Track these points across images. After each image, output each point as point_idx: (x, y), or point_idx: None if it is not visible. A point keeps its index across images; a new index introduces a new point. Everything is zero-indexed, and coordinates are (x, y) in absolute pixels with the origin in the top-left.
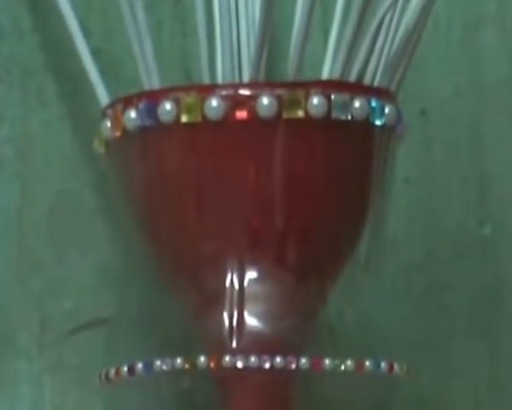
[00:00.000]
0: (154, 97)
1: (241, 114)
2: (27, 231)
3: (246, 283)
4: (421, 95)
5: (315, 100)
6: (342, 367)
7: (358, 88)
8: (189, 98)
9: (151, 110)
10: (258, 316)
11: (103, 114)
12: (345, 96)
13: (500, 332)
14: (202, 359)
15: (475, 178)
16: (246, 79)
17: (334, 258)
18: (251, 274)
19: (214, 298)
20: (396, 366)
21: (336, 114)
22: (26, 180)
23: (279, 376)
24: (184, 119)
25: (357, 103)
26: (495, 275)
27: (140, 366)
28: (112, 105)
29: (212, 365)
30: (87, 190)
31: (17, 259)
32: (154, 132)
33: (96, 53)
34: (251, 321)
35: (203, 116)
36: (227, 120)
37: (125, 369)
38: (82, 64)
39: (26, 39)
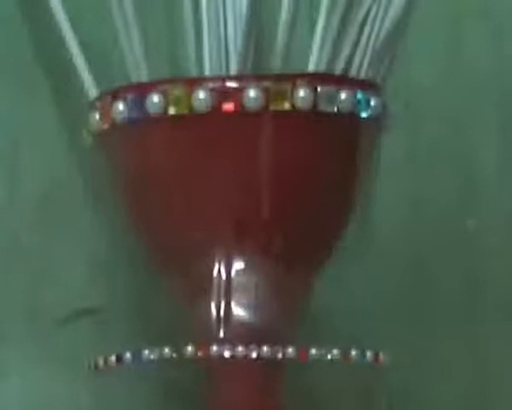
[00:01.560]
0: (141, 90)
1: (228, 107)
2: (16, 220)
3: (233, 272)
4: (406, 88)
5: (301, 92)
6: (328, 357)
7: (344, 80)
8: (177, 90)
9: (139, 102)
10: (245, 305)
11: (91, 107)
12: (331, 89)
13: (481, 324)
14: (190, 348)
15: (460, 170)
16: (233, 71)
17: (320, 248)
18: (238, 264)
19: (201, 288)
20: (381, 356)
21: (322, 107)
22: (16, 170)
23: (266, 365)
24: (172, 111)
25: (343, 96)
26: (479, 268)
27: (128, 355)
28: (100, 97)
29: (199, 354)
30: (76, 181)
31: (5, 248)
32: (141, 124)
33: (84, 45)
34: (238, 311)
35: (190, 108)
36: (214, 112)
37: (114, 359)
38: (70, 56)
39: (16, 30)
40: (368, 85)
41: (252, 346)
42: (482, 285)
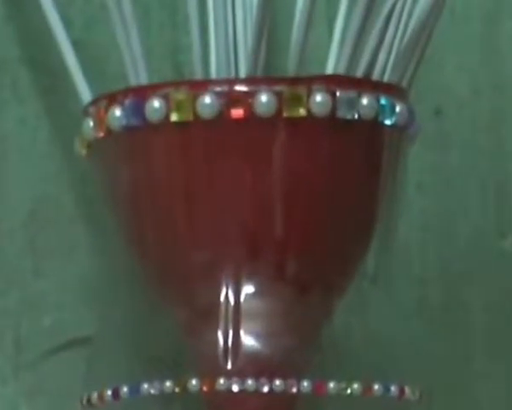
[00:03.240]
0: (141, 94)
1: (237, 113)
2: (2, 240)
3: (242, 297)
4: (436, 92)
5: (318, 97)
6: (348, 391)
7: (366, 84)
8: (180, 95)
9: (138, 108)
10: (256, 334)
11: (85, 113)
12: (351, 93)
13: None
14: (194, 382)
15: (495, 185)
16: (242, 73)
17: (339, 270)
18: (248, 288)
19: (207, 314)
20: (407, 390)
21: (341, 113)
22: (1, 185)
23: (278, 400)
24: (174, 117)
25: (364, 101)
26: None
27: (125, 389)
28: (94, 102)
29: (204, 388)
30: (67, 196)
31: None
32: (140, 132)
33: (77, 45)
34: (248, 340)
35: (195, 114)
36: (221, 118)
37: (109, 393)
38: (62, 57)
39: (0, 29)
40: (392, 90)
41: (263, 379)
42: None
